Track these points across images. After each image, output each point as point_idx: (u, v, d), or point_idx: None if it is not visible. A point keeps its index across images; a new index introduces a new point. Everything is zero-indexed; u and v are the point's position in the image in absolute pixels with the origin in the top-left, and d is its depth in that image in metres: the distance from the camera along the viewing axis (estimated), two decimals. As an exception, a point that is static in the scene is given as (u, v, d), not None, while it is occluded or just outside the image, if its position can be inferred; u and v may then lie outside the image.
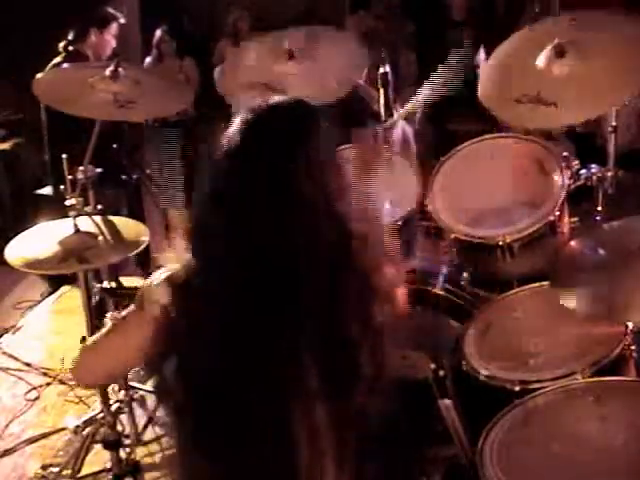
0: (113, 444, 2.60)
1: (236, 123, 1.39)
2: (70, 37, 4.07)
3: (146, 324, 1.42)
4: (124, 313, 1.53)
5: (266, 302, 1.35)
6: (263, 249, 1.34)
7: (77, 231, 2.55)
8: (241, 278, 1.35)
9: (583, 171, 2.55)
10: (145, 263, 3.65)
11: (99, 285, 2.98)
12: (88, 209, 2.73)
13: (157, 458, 2.87)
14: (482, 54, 5.28)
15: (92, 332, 2.70)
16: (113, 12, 4.16)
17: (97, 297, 2.97)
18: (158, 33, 5.92)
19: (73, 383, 3.48)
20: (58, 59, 4.01)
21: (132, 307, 1.50)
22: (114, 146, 3.86)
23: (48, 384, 3.58)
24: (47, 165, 4.00)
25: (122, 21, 4.19)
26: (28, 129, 5.27)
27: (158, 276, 1.45)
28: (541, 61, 2.31)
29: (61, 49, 4.11)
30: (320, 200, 1.36)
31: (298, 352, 1.35)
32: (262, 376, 1.35)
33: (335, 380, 1.37)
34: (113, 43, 4.09)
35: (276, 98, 1.44)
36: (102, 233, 2.59)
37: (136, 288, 1.51)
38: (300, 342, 1.34)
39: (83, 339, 2.60)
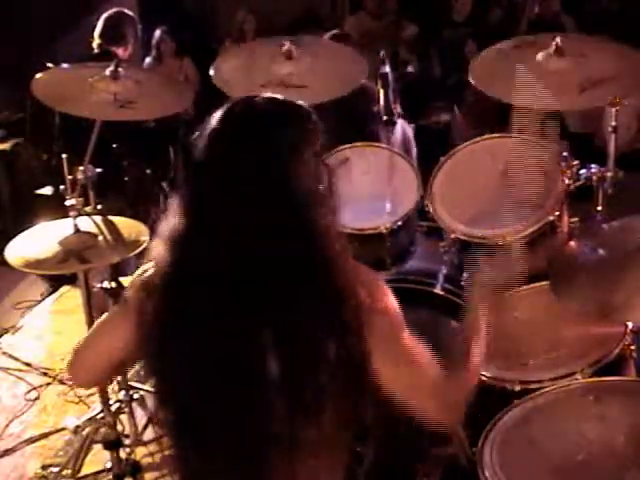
0: (113, 444, 2.60)
1: (219, 113, 1.40)
2: (101, 39, 4.13)
3: (131, 318, 1.43)
4: (110, 310, 1.54)
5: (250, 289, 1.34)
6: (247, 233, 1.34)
7: (77, 231, 2.55)
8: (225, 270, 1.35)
9: (583, 171, 2.55)
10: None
11: (99, 285, 2.98)
12: (88, 209, 2.73)
13: (157, 458, 2.88)
14: None
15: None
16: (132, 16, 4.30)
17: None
18: (158, 33, 5.92)
19: (73, 383, 3.50)
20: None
21: (118, 303, 1.51)
22: (114, 146, 3.87)
23: (48, 384, 3.58)
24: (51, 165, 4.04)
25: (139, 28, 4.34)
26: (29, 129, 5.28)
27: (143, 271, 1.46)
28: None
29: (95, 47, 4.15)
30: (298, 190, 1.36)
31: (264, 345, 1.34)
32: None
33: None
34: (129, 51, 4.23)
35: (261, 94, 1.44)
36: (102, 233, 2.59)
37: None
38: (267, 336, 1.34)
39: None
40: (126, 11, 4.39)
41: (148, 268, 1.45)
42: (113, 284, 2.96)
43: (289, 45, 2.78)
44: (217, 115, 1.39)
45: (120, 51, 4.12)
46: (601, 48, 2.49)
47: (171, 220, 1.40)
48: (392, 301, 1.43)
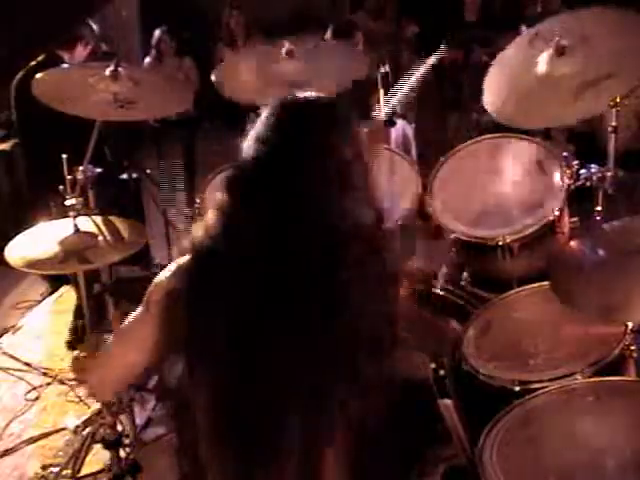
0: (113, 444, 2.60)
1: (265, 116, 1.40)
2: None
3: (154, 323, 1.42)
4: (131, 317, 1.52)
5: (290, 284, 1.34)
6: (289, 229, 1.35)
7: (77, 231, 2.55)
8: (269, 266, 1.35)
9: (583, 171, 2.55)
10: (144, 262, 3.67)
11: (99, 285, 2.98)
12: (88, 209, 2.74)
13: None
14: None
15: (92, 332, 2.71)
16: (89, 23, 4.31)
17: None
18: (157, 33, 5.92)
19: (73, 383, 3.49)
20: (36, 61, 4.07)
21: (139, 309, 1.49)
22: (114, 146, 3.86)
23: (48, 384, 3.58)
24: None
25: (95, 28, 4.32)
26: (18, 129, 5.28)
27: (166, 273, 1.45)
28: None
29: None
30: (348, 180, 1.41)
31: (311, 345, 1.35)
32: (278, 367, 1.35)
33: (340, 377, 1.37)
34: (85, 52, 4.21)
35: (299, 93, 1.44)
36: (102, 233, 2.59)
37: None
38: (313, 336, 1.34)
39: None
40: None
41: (171, 270, 1.44)
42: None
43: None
44: (265, 119, 1.40)
45: (67, 56, 4.10)
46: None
47: (209, 218, 1.39)
48: None
